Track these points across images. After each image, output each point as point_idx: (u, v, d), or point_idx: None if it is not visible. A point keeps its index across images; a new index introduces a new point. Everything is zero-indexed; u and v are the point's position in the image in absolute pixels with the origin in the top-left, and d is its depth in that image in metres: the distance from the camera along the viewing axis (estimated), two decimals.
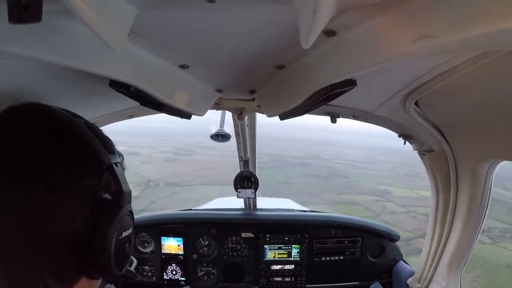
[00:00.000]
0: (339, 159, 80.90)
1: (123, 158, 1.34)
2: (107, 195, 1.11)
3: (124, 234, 1.16)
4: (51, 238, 0.98)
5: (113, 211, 1.10)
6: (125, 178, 1.21)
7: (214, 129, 3.42)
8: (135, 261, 1.67)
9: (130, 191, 1.21)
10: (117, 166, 1.16)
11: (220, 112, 3.29)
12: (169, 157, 71.47)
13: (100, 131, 1.24)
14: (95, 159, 1.10)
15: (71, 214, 1.00)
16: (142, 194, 45.92)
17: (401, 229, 36.81)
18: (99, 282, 1.21)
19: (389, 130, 2.81)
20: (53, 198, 0.98)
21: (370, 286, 3.85)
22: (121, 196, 1.14)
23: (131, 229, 1.21)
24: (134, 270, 1.41)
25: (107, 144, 1.18)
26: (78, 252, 1.02)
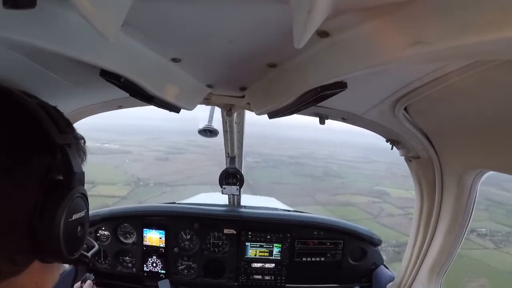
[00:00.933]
0: (332, 159, 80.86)
1: (84, 141, 1.33)
2: (59, 177, 1.10)
3: (75, 216, 1.13)
4: (0, 220, 0.95)
5: (62, 192, 1.08)
6: (78, 160, 1.18)
7: (202, 125, 3.42)
8: (96, 247, 1.65)
9: (83, 173, 1.19)
10: (69, 147, 1.13)
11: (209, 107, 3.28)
12: (161, 156, 71.15)
13: (57, 112, 1.21)
14: (45, 140, 1.07)
15: (19, 196, 0.99)
16: (131, 194, 45.73)
17: (401, 233, 36.70)
18: (56, 267, 1.21)
19: None
20: None
21: None
22: (72, 177, 1.11)
23: (83, 212, 1.19)
24: (89, 255, 1.35)
25: (61, 125, 1.13)
26: (28, 235, 1.00)
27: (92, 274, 3.15)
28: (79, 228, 1.17)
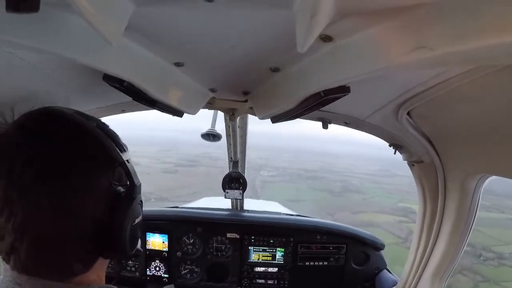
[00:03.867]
0: (351, 172, 78.20)
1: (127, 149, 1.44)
2: (120, 188, 1.26)
3: (137, 221, 1.32)
4: (77, 230, 1.14)
5: (127, 202, 1.26)
6: (135, 172, 1.32)
7: (205, 129, 3.42)
8: (139, 241, 1.76)
9: (140, 184, 1.33)
10: (128, 162, 1.28)
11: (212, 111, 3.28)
12: (169, 168, 69.66)
13: (110, 129, 1.34)
14: (108, 158, 1.22)
15: (92, 208, 1.16)
16: None
17: None
18: (106, 262, 1.36)
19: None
20: (76, 197, 1.12)
21: None
22: (133, 188, 1.28)
23: (141, 216, 1.37)
24: (141, 248, 1.55)
25: (118, 143, 1.28)
26: (100, 239, 1.18)
27: None
28: (138, 229, 1.37)
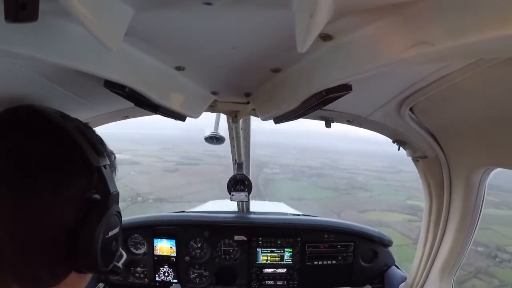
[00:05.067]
0: (357, 169, 77.17)
1: (115, 157, 1.43)
2: (96, 196, 1.18)
3: (111, 233, 1.23)
4: (43, 237, 1.05)
5: (100, 211, 1.17)
6: (113, 180, 1.28)
7: (208, 132, 3.42)
8: (124, 256, 1.68)
9: (118, 192, 1.28)
10: (105, 168, 1.22)
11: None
12: (170, 167, 68.67)
13: (92, 133, 1.32)
14: (83, 162, 1.16)
15: (60, 215, 1.08)
16: (123, 212, 38.36)
17: None
18: (88, 275, 1.28)
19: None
20: (42, 201, 1.05)
21: None
22: (108, 197, 1.21)
23: (118, 228, 1.29)
24: (121, 266, 1.46)
25: (96, 147, 1.23)
26: (68, 250, 1.09)
27: (105, 285, 3.15)
28: (113, 243, 1.28)
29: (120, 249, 1.40)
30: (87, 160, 1.16)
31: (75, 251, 1.10)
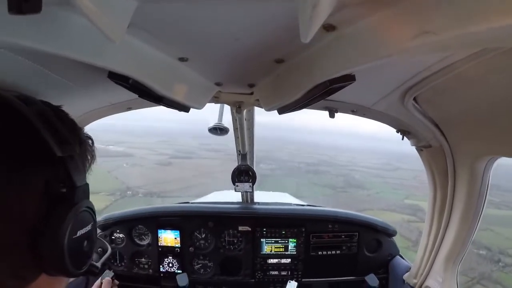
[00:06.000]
0: (354, 166, 77.24)
1: (92, 142, 1.30)
2: (63, 190, 1.06)
3: (80, 232, 1.11)
4: (4, 236, 0.94)
5: (65, 207, 1.05)
6: (82, 171, 1.16)
7: (212, 123, 3.42)
8: (109, 251, 1.62)
9: (87, 185, 1.16)
10: (72, 158, 1.09)
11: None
12: (163, 161, 67.84)
13: (62, 119, 1.17)
14: (43, 152, 1.03)
15: (22, 211, 0.97)
16: (110, 207, 38.46)
17: None
18: (63, 279, 1.18)
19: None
20: (1, 194, 0.93)
21: (365, 277, 3.86)
22: (74, 191, 1.08)
23: (90, 225, 1.17)
24: (99, 265, 1.37)
25: (62, 134, 1.08)
26: (32, 250, 0.98)
27: (111, 271, 3.17)
28: (85, 243, 1.16)
29: (106, 242, 1.29)
30: (48, 150, 1.02)
31: (41, 252, 0.99)
